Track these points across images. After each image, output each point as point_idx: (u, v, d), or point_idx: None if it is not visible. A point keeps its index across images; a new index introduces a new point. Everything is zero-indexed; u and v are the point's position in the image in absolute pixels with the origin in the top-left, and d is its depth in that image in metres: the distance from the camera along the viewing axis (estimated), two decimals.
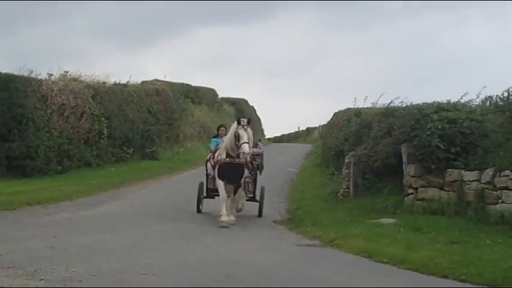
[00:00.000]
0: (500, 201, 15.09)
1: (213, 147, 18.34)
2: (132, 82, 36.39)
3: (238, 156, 16.33)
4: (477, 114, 17.15)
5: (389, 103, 21.09)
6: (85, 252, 11.91)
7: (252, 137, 16.28)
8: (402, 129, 17.84)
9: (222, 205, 16.37)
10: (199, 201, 18.58)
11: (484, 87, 18.80)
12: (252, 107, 66.91)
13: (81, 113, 28.45)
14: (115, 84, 34.26)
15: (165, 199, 21.84)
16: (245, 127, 16.01)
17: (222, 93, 57.06)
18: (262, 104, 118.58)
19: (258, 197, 18.73)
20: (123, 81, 35.53)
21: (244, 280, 10.12)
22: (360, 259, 12.88)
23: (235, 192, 17.00)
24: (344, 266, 12.07)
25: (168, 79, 42.85)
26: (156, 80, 42.35)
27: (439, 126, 16.73)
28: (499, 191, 15.18)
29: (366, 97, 25.80)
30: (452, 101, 18.59)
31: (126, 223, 16.20)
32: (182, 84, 46.17)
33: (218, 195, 17.16)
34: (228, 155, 16.53)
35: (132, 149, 32.53)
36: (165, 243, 13.42)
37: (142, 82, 40.13)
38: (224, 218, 16.14)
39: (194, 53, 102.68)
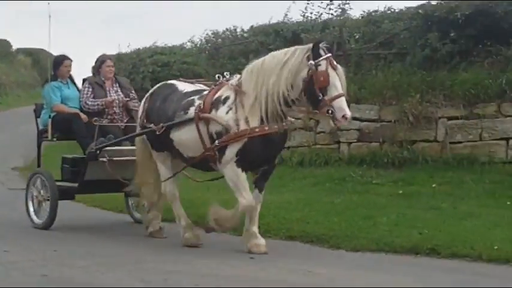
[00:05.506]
0: None
1: (55, 101, 9.72)
2: None
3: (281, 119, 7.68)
4: (182, 57, 18.12)
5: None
6: None
7: (345, 82, 7.59)
8: (124, 73, 18.44)
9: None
10: (55, 209, 9.33)
11: (205, 30, 19.69)
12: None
13: None
14: None
15: None
16: (333, 63, 7.46)
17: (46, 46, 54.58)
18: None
19: None
20: None
21: None
22: None
23: (260, 185, 8.03)
24: None
25: None
26: None
27: (151, 69, 17.49)
28: None
29: (129, 43, 25.67)
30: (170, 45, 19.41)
31: None
32: None
33: (97, 192, 10.22)
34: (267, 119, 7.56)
35: None
36: None
37: None
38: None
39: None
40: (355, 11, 33.03)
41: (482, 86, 11.63)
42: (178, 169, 8.50)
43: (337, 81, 7.36)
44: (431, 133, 11.96)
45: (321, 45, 7.50)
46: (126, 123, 9.53)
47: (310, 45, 7.52)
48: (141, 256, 7.55)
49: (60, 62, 10.11)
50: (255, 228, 7.84)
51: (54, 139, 9.79)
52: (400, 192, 10.77)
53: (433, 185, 10.93)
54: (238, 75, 7.83)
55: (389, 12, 15.09)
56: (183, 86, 8.56)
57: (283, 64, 7.52)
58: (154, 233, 8.83)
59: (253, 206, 7.67)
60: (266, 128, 7.51)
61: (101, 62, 10.06)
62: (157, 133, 8.10)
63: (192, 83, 8.72)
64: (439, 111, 11.91)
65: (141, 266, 7.03)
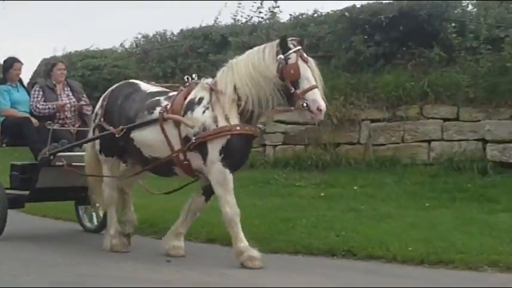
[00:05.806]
0: None
1: (4, 105, 9.34)
2: None
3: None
4: (113, 61, 18.02)
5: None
6: None
7: (319, 74, 7.16)
8: None
9: (237, 223, 7.21)
10: (4, 218, 8.80)
11: (138, 33, 19.56)
12: None
13: None
14: None
15: None
16: (303, 56, 7.10)
17: None
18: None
19: None
20: None
21: None
22: None
23: (210, 193, 7.76)
24: None
25: None
26: None
27: (81, 73, 17.36)
28: None
29: (65, 46, 25.05)
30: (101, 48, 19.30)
31: None
32: None
33: (48, 200, 9.80)
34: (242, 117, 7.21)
35: None
36: None
37: None
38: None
39: None
40: (285, 15, 33.26)
41: (405, 88, 11.82)
42: (129, 174, 8.20)
43: (309, 74, 6.97)
44: (355, 135, 12.14)
45: (289, 39, 7.16)
46: (78, 127, 9.15)
47: (278, 40, 7.19)
48: (58, 259, 7.52)
49: (10, 65, 9.65)
50: (183, 229, 7.72)
51: (4, 145, 9.35)
52: (322, 194, 10.88)
53: (355, 187, 11.06)
54: (210, 78, 7.44)
55: (316, 15, 15.22)
56: (146, 86, 8.10)
57: (254, 64, 7.17)
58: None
59: (239, 214, 7.15)
60: (247, 128, 7.15)
61: (52, 65, 9.66)
62: (117, 136, 7.62)
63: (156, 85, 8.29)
64: (362, 113, 12.09)
65: (55, 269, 7.00)
